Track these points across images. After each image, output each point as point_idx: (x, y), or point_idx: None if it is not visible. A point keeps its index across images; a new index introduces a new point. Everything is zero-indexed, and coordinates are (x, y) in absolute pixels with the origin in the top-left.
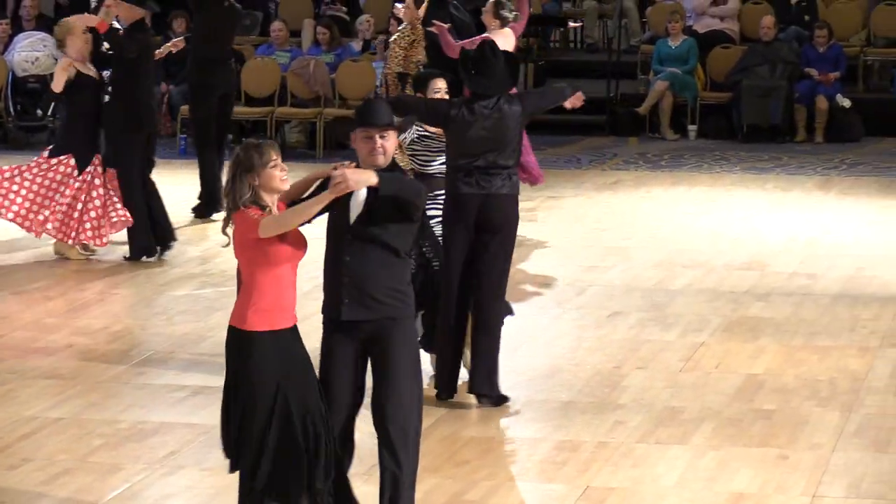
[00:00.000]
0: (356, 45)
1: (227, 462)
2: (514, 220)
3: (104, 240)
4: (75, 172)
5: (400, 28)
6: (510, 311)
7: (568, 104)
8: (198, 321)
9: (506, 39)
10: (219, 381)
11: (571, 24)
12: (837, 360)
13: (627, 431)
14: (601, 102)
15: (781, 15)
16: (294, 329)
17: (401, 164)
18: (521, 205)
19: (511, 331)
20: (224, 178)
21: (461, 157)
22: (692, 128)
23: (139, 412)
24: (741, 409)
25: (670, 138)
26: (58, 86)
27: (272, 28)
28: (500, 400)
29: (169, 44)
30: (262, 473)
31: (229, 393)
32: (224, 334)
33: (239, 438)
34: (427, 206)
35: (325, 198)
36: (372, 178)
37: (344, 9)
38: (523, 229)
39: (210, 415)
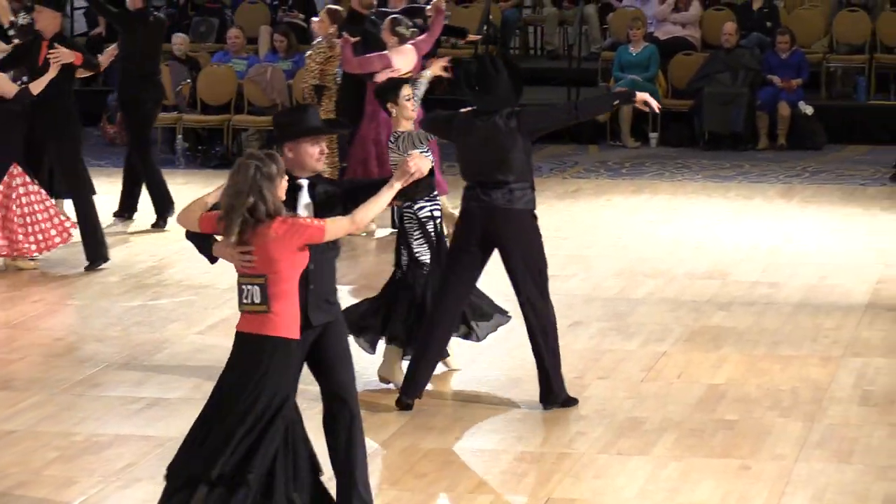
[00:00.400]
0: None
1: None
2: (521, 233)
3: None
4: (27, 178)
5: (315, 43)
6: (505, 316)
7: (640, 106)
8: (153, 332)
9: (405, 57)
10: (174, 392)
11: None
12: (800, 370)
13: (589, 442)
14: None
15: (743, 21)
16: None
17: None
18: None
19: (471, 341)
20: (235, 193)
21: (464, 171)
22: (653, 135)
23: (94, 424)
24: (703, 419)
25: (631, 146)
26: (37, 87)
27: (228, 35)
28: (567, 402)
29: (104, 56)
30: (282, 484)
31: (234, 403)
32: (180, 345)
33: (242, 448)
34: (433, 206)
35: (394, 190)
36: (429, 164)
37: (301, 16)
38: None
39: (166, 427)
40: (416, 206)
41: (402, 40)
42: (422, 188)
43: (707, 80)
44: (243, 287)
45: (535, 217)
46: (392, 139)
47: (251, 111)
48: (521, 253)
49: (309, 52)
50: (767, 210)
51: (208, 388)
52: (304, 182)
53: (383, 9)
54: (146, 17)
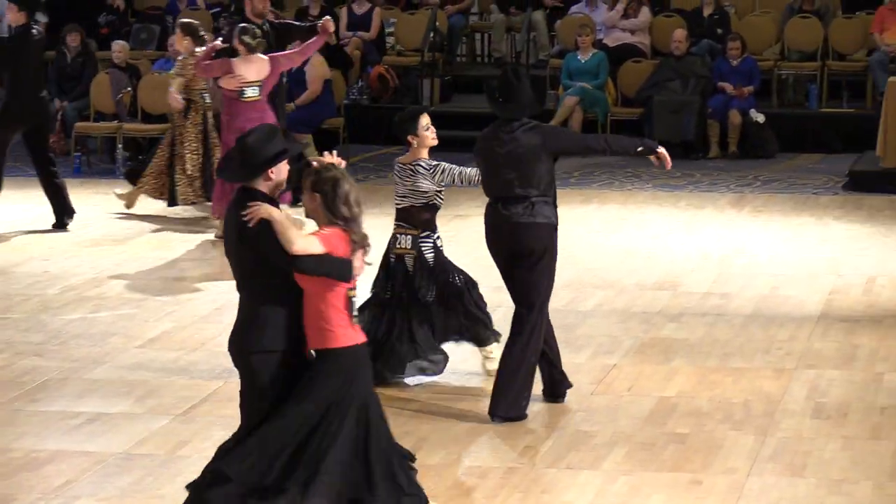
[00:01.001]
0: None
1: (124, 489)
2: (544, 246)
3: None
4: None
5: (179, 58)
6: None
7: (654, 160)
8: (93, 345)
9: (253, 66)
10: (115, 407)
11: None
12: (752, 382)
13: (538, 456)
14: None
15: (693, 28)
16: None
17: None
18: None
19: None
20: (357, 202)
21: (486, 186)
22: None
23: (33, 440)
24: (654, 432)
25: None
26: None
27: (170, 42)
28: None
29: None
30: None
31: (311, 415)
32: (120, 359)
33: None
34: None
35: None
36: None
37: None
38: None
39: (107, 442)
40: (435, 236)
41: (249, 49)
42: None
43: (657, 88)
44: (352, 299)
45: (556, 230)
46: (426, 167)
47: None
48: (544, 264)
49: (173, 70)
50: (718, 219)
51: (150, 402)
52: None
53: (288, 21)
54: (30, 32)
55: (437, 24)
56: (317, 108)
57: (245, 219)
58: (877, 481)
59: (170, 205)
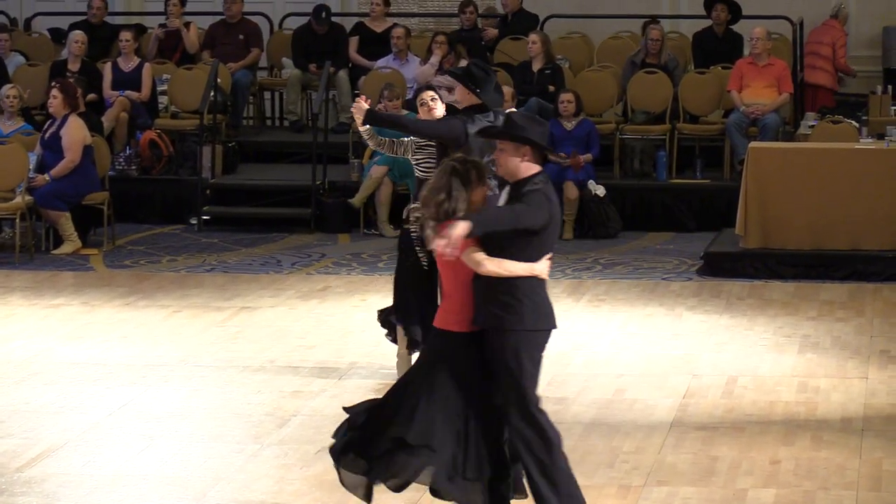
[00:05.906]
0: (2, 126)
1: None
2: None
3: None
4: None
5: None
6: None
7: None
8: None
9: None
10: None
11: None
12: (593, 502)
13: None
14: (306, 192)
15: (520, 85)
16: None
17: None
18: (208, 316)
19: (198, 473)
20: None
21: None
22: None
23: None
24: None
25: (389, 235)
26: None
27: None
28: None
29: None
30: None
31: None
32: None
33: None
34: None
35: None
36: None
37: None
38: (210, 348)
39: None
40: None
41: None
42: None
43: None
44: None
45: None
46: None
47: None
48: None
49: None
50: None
51: None
52: None
53: None
54: None
55: (219, 80)
56: (75, 180)
57: None
58: None
59: None
